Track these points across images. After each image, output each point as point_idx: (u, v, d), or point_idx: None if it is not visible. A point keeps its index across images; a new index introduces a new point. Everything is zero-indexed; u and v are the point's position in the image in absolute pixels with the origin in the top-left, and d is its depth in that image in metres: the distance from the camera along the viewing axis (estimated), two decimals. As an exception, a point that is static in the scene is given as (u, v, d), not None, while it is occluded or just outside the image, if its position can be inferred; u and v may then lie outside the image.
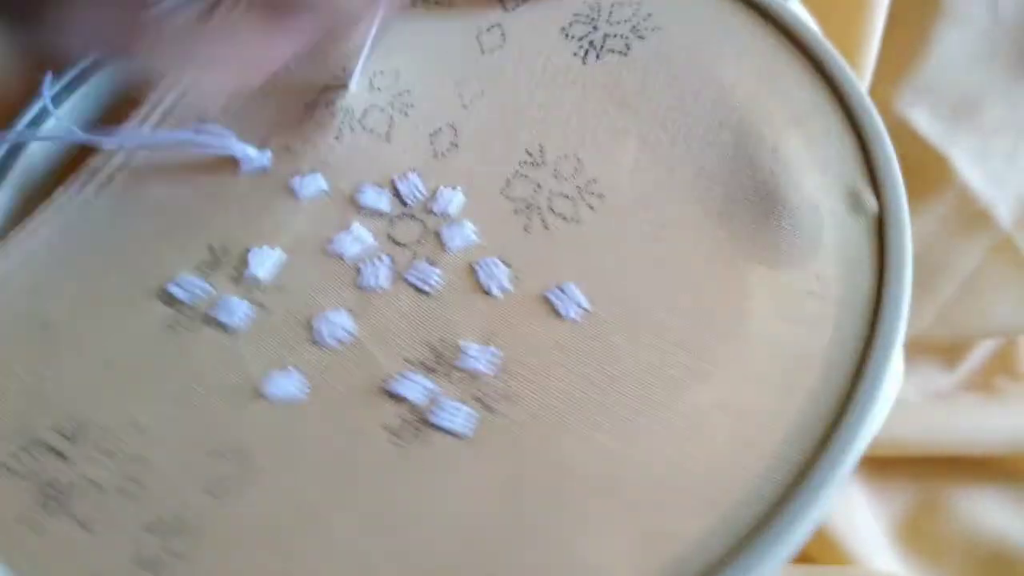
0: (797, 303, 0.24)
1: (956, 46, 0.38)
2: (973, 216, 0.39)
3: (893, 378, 0.23)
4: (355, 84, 0.29)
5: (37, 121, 0.31)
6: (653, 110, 0.28)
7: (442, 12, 0.31)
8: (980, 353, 0.41)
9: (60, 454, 0.24)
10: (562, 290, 0.25)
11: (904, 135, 0.39)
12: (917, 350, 0.40)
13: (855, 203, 0.25)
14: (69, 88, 0.31)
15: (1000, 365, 0.40)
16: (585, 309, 0.25)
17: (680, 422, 0.23)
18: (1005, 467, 0.37)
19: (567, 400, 0.23)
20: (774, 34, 0.29)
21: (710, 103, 0.28)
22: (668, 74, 0.28)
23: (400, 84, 0.30)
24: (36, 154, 0.31)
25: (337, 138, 0.28)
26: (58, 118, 0.30)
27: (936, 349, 0.42)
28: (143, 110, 0.30)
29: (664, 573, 0.21)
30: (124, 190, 0.29)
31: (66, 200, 0.29)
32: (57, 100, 0.31)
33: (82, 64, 0.32)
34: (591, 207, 0.26)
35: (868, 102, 0.27)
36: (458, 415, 0.23)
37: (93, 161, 0.29)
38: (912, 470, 0.38)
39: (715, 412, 0.23)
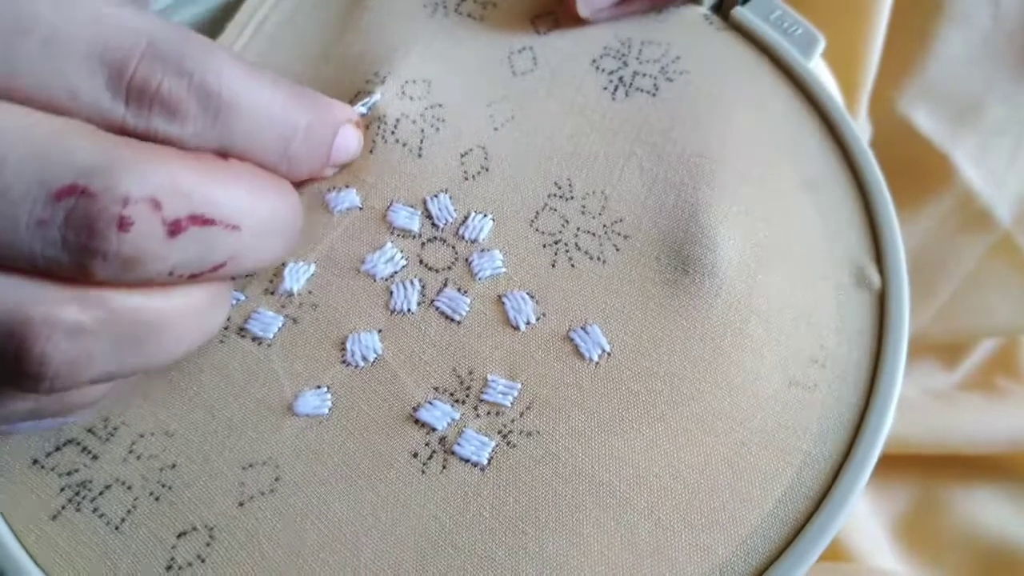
0: (802, 368, 0.26)
1: (958, 47, 0.39)
2: (973, 215, 0.41)
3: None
4: (386, 91, 0.29)
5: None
6: (678, 155, 0.29)
7: (473, 25, 0.32)
8: (980, 352, 0.43)
9: (93, 455, 0.25)
10: (586, 331, 0.26)
11: (906, 135, 0.40)
12: (917, 349, 0.40)
13: (860, 278, 0.27)
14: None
15: (1000, 365, 0.42)
16: (606, 352, 0.26)
17: (687, 474, 0.25)
18: (1005, 466, 0.39)
19: (582, 440, 0.25)
20: (793, 92, 0.30)
21: (731, 155, 0.29)
22: (694, 120, 0.30)
23: (432, 96, 0.30)
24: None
25: (371, 151, 0.29)
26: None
27: (936, 348, 0.43)
28: None
29: None
30: None
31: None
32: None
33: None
34: (616, 247, 0.28)
35: (879, 174, 0.29)
36: (480, 446, 0.25)
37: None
38: (912, 468, 0.40)
39: (720, 466, 0.25)
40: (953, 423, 0.39)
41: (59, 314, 0.20)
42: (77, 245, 0.20)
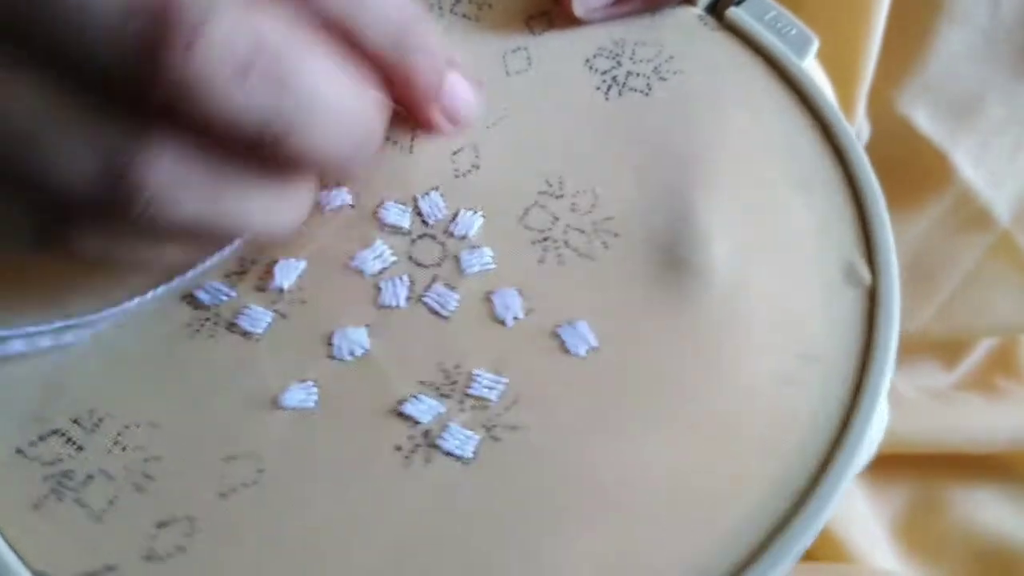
0: (792, 365, 0.26)
1: (957, 45, 0.39)
2: (973, 214, 0.40)
3: (877, 425, 0.26)
4: None
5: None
6: (671, 154, 0.29)
7: (468, 25, 0.32)
8: (980, 352, 0.43)
9: (77, 445, 0.25)
10: (573, 327, 0.26)
11: (905, 134, 0.40)
12: (917, 348, 0.40)
13: (850, 275, 0.27)
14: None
15: (1000, 364, 0.41)
16: (593, 348, 0.26)
17: (673, 470, 0.25)
18: (1004, 465, 0.39)
19: (568, 435, 0.25)
20: (786, 92, 0.30)
21: (724, 154, 0.29)
22: (686, 119, 0.29)
23: None
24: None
25: None
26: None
27: (936, 348, 0.43)
28: None
29: None
30: None
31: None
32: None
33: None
34: (605, 245, 0.27)
35: (871, 173, 0.28)
36: (464, 440, 0.25)
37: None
38: (911, 468, 0.40)
39: (707, 462, 0.25)
40: (953, 423, 0.39)
41: (156, 154, 0.21)
42: (146, 56, 0.20)
